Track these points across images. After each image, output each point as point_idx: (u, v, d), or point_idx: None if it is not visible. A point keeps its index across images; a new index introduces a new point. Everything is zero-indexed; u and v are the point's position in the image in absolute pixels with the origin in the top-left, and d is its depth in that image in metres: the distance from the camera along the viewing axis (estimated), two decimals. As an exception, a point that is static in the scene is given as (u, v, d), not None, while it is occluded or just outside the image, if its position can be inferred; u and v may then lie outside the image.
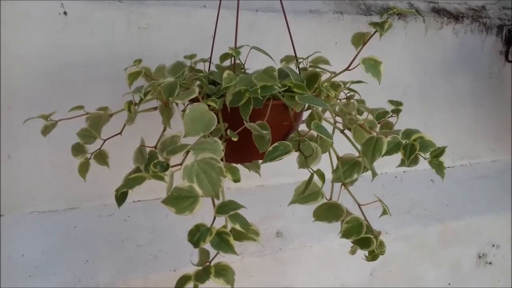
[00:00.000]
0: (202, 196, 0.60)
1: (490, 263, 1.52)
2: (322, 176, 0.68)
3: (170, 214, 0.63)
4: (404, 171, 1.55)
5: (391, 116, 0.86)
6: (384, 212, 0.75)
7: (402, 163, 0.73)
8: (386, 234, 1.33)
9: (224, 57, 0.85)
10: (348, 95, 0.94)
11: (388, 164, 0.86)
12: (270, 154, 0.65)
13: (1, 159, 1.09)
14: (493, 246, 1.51)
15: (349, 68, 0.78)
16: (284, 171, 0.91)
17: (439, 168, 0.77)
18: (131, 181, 0.60)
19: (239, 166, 0.88)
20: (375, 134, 0.72)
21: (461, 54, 1.58)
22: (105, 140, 0.84)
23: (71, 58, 1.11)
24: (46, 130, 0.79)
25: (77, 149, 0.83)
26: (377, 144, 0.70)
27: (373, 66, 0.74)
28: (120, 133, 0.84)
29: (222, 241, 0.59)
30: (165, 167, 0.60)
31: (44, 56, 1.08)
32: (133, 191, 0.67)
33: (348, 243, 0.78)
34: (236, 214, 0.61)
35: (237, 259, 1.14)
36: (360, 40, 0.78)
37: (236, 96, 0.69)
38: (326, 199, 0.77)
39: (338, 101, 0.90)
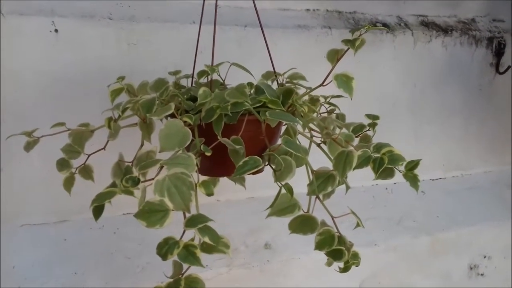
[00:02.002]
0: (173, 210, 0.61)
1: (482, 274, 1.52)
2: (290, 190, 0.70)
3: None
4: (395, 183, 1.55)
5: (368, 130, 0.88)
6: (357, 225, 0.76)
7: (377, 176, 0.75)
8: (375, 245, 1.34)
9: (201, 74, 0.87)
10: (328, 109, 0.95)
11: (377, 176, 0.87)
12: (240, 169, 0.67)
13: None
14: (485, 257, 1.51)
15: (324, 84, 0.79)
16: (273, 183, 0.93)
17: (413, 181, 0.79)
18: (102, 196, 0.62)
19: (225, 179, 0.91)
20: (350, 148, 0.74)
21: (450, 66, 1.60)
22: (89, 155, 0.86)
23: (62, 73, 1.14)
24: (28, 146, 0.81)
25: (62, 164, 0.85)
26: (348, 157, 0.71)
27: (345, 82, 0.75)
28: (103, 148, 0.86)
29: (189, 254, 0.61)
30: (136, 181, 0.61)
31: (36, 72, 1.11)
32: (110, 203, 0.69)
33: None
34: (205, 227, 0.62)
35: (224, 271, 1.15)
36: (334, 56, 0.80)
37: (209, 112, 0.71)
38: (303, 211, 0.78)
39: (318, 115, 0.92)
